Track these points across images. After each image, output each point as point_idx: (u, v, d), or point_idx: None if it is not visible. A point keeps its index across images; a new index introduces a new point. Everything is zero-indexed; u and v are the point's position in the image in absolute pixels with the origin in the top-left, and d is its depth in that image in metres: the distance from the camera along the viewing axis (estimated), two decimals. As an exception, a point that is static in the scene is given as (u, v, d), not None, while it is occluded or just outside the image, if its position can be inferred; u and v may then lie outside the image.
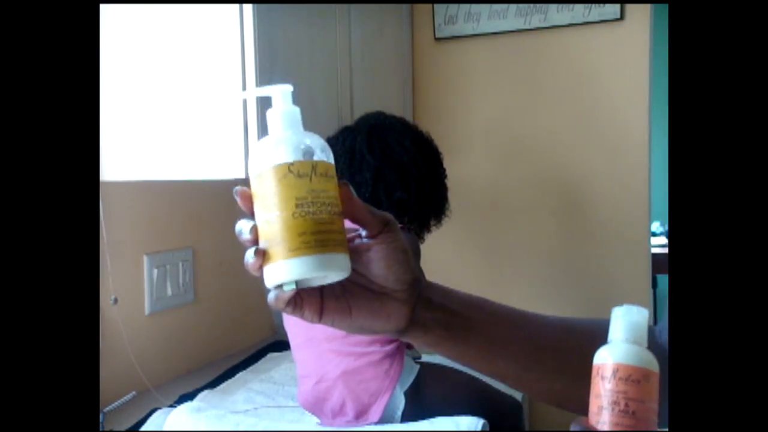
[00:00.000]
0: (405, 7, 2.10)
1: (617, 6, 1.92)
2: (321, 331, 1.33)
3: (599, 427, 0.46)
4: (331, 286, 0.52)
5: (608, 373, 0.46)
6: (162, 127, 1.35)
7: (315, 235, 0.48)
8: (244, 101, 1.29)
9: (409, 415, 1.28)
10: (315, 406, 1.36)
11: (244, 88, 1.29)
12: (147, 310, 1.60)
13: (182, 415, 1.26)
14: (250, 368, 1.72)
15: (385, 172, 1.38)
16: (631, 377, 0.45)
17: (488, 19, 2.06)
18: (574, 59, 2.01)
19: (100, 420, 1.32)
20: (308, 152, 0.50)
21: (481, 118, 2.11)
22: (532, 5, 2.01)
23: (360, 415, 1.31)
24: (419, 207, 1.43)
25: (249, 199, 0.50)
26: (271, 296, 0.51)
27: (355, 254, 0.52)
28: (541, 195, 2.08)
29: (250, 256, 0.49)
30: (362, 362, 1.29)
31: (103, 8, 1.34)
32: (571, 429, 0.47)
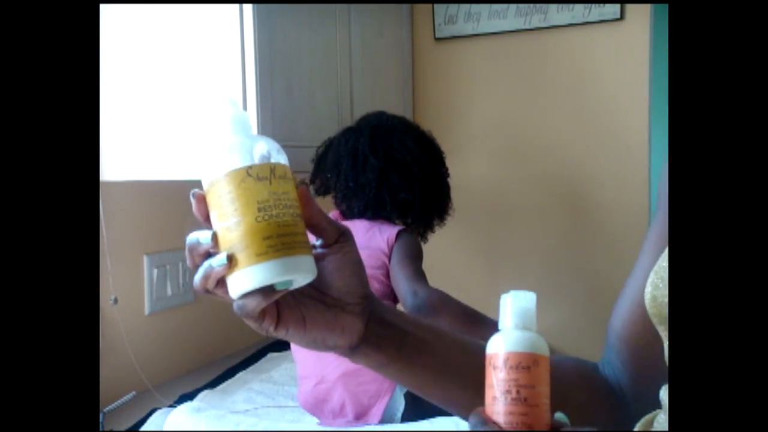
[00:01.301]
0: (405, 7, 2.10)
1: (617, 6, 1.92)
2: None
3: (494, 417, 0.46)
4: (285, 296, 0.50)
5: (499, 362, 0.46)
6: (162, 128, 1.36)
7: (280, 238, 0.47)
8: (244, 101, 1.29)
9: (409, 417, 1.28)
10: (315, 407, 1.36)
11: (244, 88, 1.29)
12: (147, 310, 1.60)
13: (182, 415, 1.26)
14: (250, 368, 1.72)
15: (388, 173, 1.38)
16: (521, 364, 0.45)
17: (488, 19, 2.06)
18: (574, 59, 2.01)
19: (100, 420, 1.32)
20: (264, 156, 0.49)
21: (481, 118, 2.11)
22: (532, 5, 2.01)
23: (360, 416, 1.31)
24: (423, 207, 1.43)
25: (206, 205, 0.49)
26: (238, 305, 0.48)
27: None
28: (541, 195, 2.08)
29: (218, 262, 0.47)
30: None
31: (103, 8, 1.34)
32: (470, 421, 0.46)
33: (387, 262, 1.33)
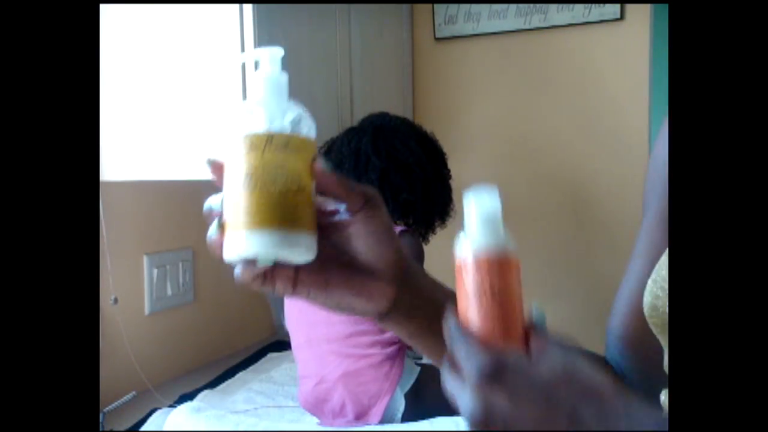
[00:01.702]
0: (405, 7, 2.10)
1: (617, 6, 1.92)
2: (322, 332, 1.33)
3: (470, 322, 0.45)
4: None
5: (471, 266, 0.46)
6: (162, 128, 1.36)
7: (267, 210, 0.45)
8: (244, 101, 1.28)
9: (409, 417, 1.28)
10: (315, 407, 1.36)
11: (244, 88, 1.29)
12: (147, 310, 1.60)
13: (182, 415, 1.26)
14: (250, 368, 1.72)
15: (390, 174, 1.38)
16: (492, 266, 0.45)
17: (488, 19, 2.06)
18: (574, 59, 2.01)
19: (100, 420, 1.32)
20: (288, 124, 0.47)
21: (481, 118, 2.11)
22: (532, 5, 2.00)
23: (360, 416, 1.31)
24: (425, 208, 1.43)
25: (221, 171, 0.48)
26: (236, 271, 0.48)
27: (336, 231, 0.50)
28: (541, 195, 2.08)
29: (211, 229, 0.47)
30: (362, 364, 1.29)
31: (103, 8, 1.34)
32: (445, 319, 0.46)
33: None
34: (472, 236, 0.46)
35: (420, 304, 0.53)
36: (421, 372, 1.34)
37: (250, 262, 0.47)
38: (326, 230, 0.50)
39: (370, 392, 1.29)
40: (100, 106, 1.33)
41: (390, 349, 1.30)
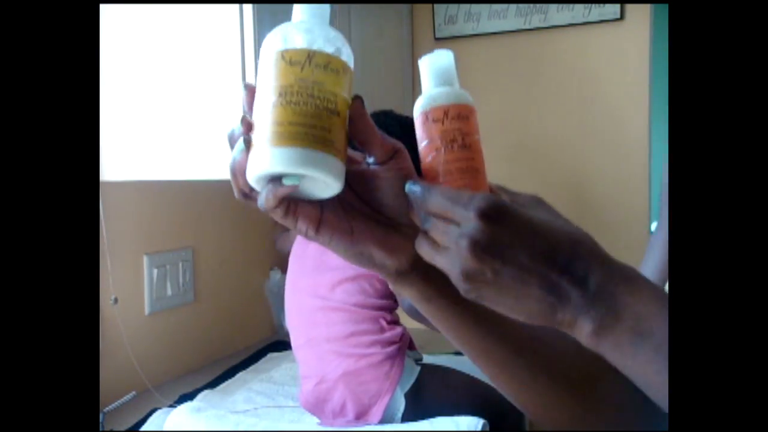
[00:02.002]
0: (405, 7, 2.10)
1: (617, 6, 1.92)
2: (322, 332, 1.33)
3: (438, 169, 0.47)
4: (333, 204, 0.47)
5: (440, 115, 0.48)
6: (162, 127, 1.36)
7: (298, 127, 0.43)
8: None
9: (409, 417, 1.28)
10: (316, 407, 1.36)
11: (244, 88, 1.29)
12: (147, 310, 1.60)
13: (182, 415, 1.26)
14: (250, 368, 1.72)
15: None
16: (461, 114, 0.48)
17: (488, 19, 2.06)
18: (574, 59, 2.01)
19: (100, 420, 1.32)
20: (314, 43, 0.45)
21: (481, 118, 2.09)
22: (532, 5, 2.00)
23: (360, 416, 1.31)
24: None
25: (253, 93, 0.46)
26: (261, 195, 0.45)
27: (361, 180, 0.48)
28: (540, 194, 2.07)
29: (236, 148, 0.44)
30: (363, 364, 1.29)
31: (104, 8, 1.34)
32: (408, 188, 0.46)
33: None
34: (439, 89, 0.49)
35: None
36: (421, 372, 1.34)
37: (275, 182, 0.44)
38: (352, 178, 0.48)
39: (370, 392, 1.29)
40: (100, 106, 1.33)
41: (390, 349, 1.30)
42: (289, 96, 0.44)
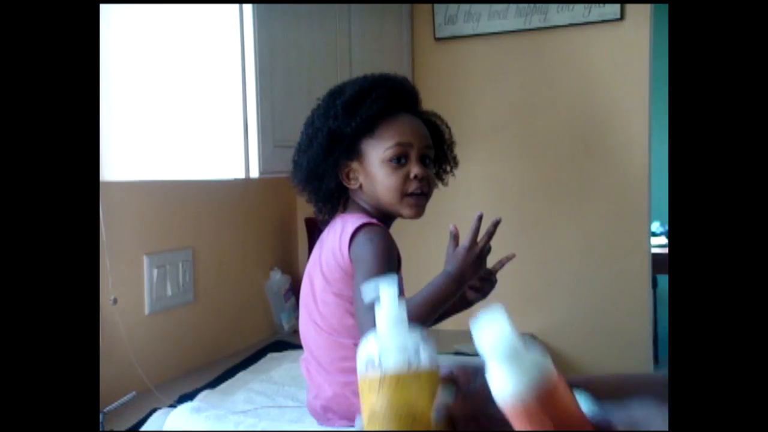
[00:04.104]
0: (405, 7, 2.10)
1: (617, 6, 1.92)
2: (314, 352, 1.31)
3: None
4: None
5: (523, 409, 0.44)
6: (162, 127, 1.36)
7: None
8: (244, 101, 1.29)
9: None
10: (317, 415, 1.35)
11: (244, 88, 1.29)
12: (147, 310, 1.60)
13: (182, 415, 1.26)
14: (250, 368, 1.72)
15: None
16: (545, 399, 0.43)
17: (488, 19, 2.06)
18: (574, 59, 2.01)
19: (100, 420, 1.32)
20: (390, 360, 0.50)
21: (481, 118, 2.11)
22: (532, 5, 2.00)
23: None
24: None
25: None
26: None
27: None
28: (541, 194, 2.08)
29: None
30: (348, 391, 1.25)
31: (103, 8, 1.34)
32: None
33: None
34: (505, 377, 0.42)
35: None
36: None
37: None
38: None
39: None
40: (99, 106, 1.33)
41: None
42: (373, 421, 0.52)
